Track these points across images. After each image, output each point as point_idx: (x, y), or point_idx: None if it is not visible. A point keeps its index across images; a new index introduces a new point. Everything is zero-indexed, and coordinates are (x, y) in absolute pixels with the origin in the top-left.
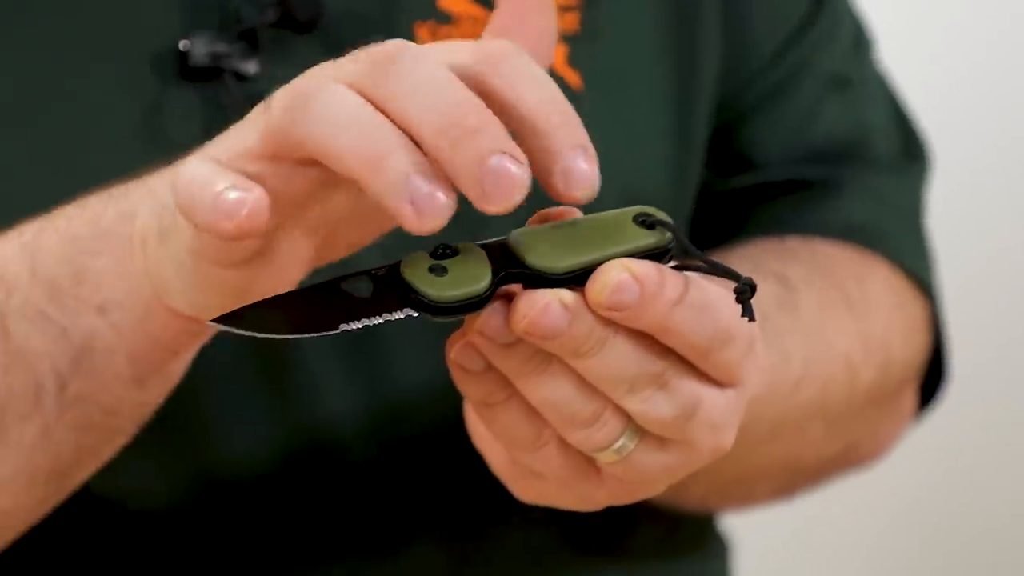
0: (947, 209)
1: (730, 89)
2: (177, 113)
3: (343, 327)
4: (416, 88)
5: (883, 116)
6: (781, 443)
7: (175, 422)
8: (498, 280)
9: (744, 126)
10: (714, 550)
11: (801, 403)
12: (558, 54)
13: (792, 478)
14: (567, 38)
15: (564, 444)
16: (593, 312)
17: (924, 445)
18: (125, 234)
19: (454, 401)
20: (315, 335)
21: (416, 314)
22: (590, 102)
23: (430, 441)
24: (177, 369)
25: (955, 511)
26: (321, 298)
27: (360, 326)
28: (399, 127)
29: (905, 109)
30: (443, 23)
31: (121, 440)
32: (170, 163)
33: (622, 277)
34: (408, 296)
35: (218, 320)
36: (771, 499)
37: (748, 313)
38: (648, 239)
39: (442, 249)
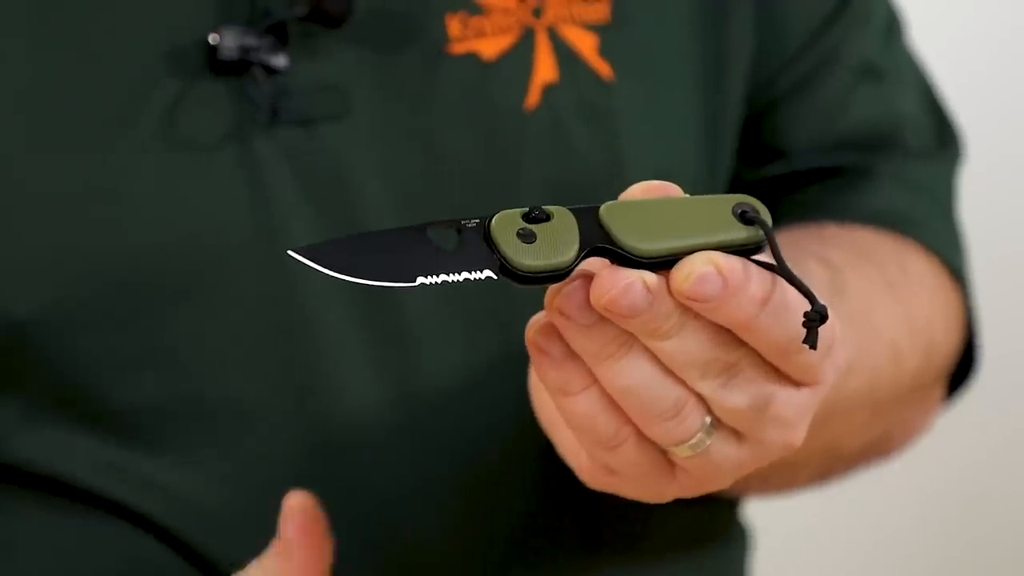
0: (977, 199)
1: (761, 78)
2: (204, 107)
3: (421, 280)
4: None
5: (915, 104)
6: (828, 429)
7: (206, 416)
8: (584, 254)
9: (774, 115)
10: (736, 540)
11: (851, 389)
12: (588, 44)
13: (831, 464)
14: (597, 28)
15: (641, 440)
16: (672, 296)
17: (944, 437)
18: None
19: (482, 396)
20: (392, 286)
21: (496, 277)
22: (621, 92)
23: (456, 437)
24: None
25: (971, 505)
26: (404, 244)
27: (439, 280)
28: None
29: (938, 96)
30: (474, 14)
31: None
32: (192, 163)
33: (706, 269)
34: (492, 257)
35: (298, 251)
36: (809, 485)
37: (811, 340)
38: (740, 234)
39: (535, 212)
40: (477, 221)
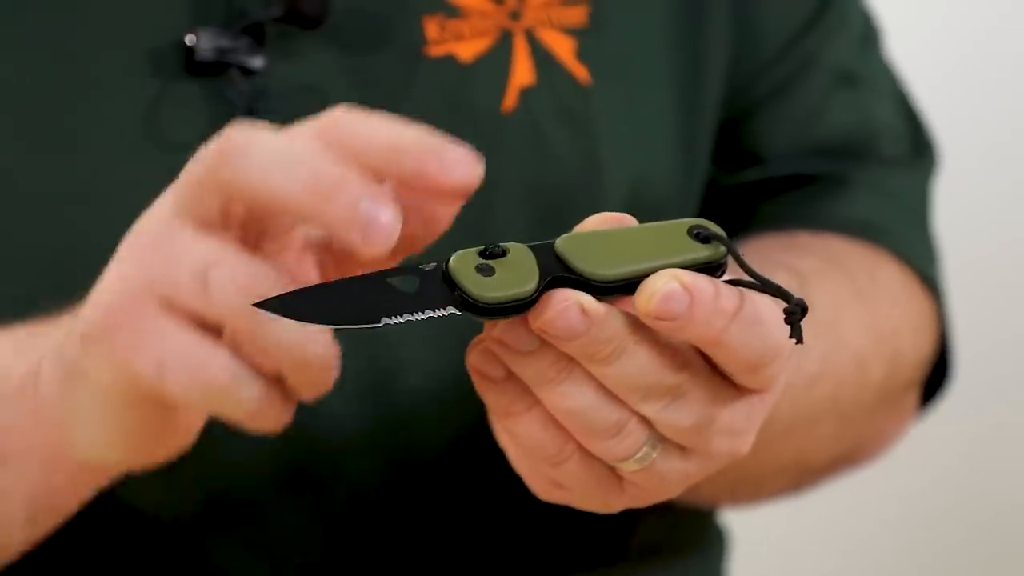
0: (952, 206)
1: (738, 83)
2: (181, 108)
3: (385, 321)
4: (271, 166)
5: (890, 112)
6: (793, 441)
7: None
8: (545, 284)
9: (751, 121)
10: (712, 544)
11: (814, 400)
12: (566, 48)
13: (801, 476)
14: (575, 32)
15: (586, 457)
16: (615, 320)
17: (920, 442)
18: (30, 392)
19: (461, 411)
20: (356, 328)
21: (460, 313)
22: (599, 96)
23: (435, 451)
24: (74, 508)
25: (950, 508)
26: (365, 290)
27: (402, 320)
28: (264, 203)
29: (913, 104)
30: (452, 17)
31: (8, 561)
32: (172, 163)
33: (671, 287)
34: (453, 294)
35: (260, 305)
36: (779, 496)
37: (797, 335)
38: (702, 252)
39: (491, 248)
40: (434, 264)
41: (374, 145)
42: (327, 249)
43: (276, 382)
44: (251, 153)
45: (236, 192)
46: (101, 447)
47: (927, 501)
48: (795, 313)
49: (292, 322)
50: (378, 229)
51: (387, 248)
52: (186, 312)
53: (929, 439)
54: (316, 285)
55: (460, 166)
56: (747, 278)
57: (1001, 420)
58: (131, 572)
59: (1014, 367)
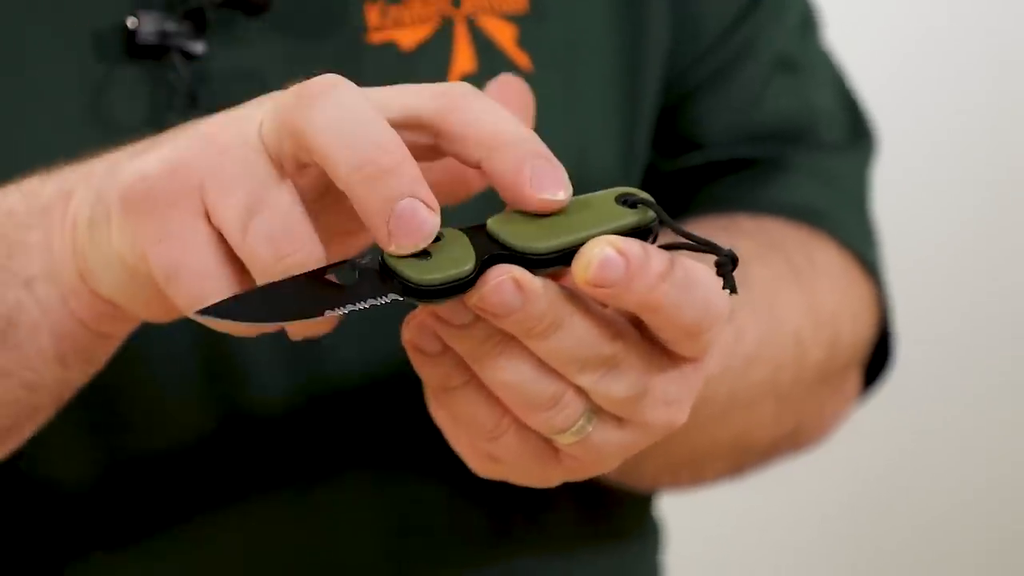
0: (891, 194)
1: (677, 69)
2: (122, 91)
3: (328, 313)
4: (335, 123)
5: (829, 97)
6: (732, 422)
7: (104, 404)
8: (483, 262)
9: (690, 106)
10: (648, 535)
11: (753, 382)
12: (507, 35)
13: (742, 457)
14: (516, 18)
15: (523, 430)
16: (549, 293)
17: (858, 432)
18: (59, 211)
19: (389, 387)
20: (300, 323)
21: (402, 298)
22: (540, 83)
23: (365, 426)
24: (102, 353)
25: (889, 501)
26: (305, 287)
27: (346, 311)
28: (317, 160)
29: (852, 90)
30: (393, 3)
31: (41, 418)
32: (113, 145)
33: (607, 252)
34: (394, 282)
35: (202, 311)
36: (720, 478)
37: (730, 285)
38: (631, 217)
39: None
40: (370, 257)
41: (482, 125)
42: None
43: None
44: (321, 105)
45: (298, 140)
46: (112, 288)
47: (865, 497)
48: (725, 264)
49: None
50: (407, 230)
51: (407, 251)
52: (219, 229)
53: (868, 433)
54: (256, 288)
55: (552, 186)
56: (680, 240)
57: (942, 414)
58: (50, 548)
59: (954, 360)
